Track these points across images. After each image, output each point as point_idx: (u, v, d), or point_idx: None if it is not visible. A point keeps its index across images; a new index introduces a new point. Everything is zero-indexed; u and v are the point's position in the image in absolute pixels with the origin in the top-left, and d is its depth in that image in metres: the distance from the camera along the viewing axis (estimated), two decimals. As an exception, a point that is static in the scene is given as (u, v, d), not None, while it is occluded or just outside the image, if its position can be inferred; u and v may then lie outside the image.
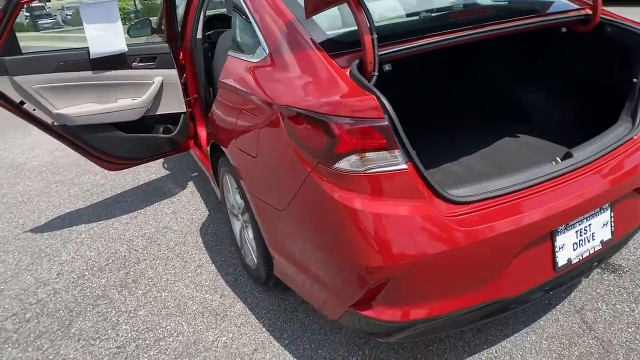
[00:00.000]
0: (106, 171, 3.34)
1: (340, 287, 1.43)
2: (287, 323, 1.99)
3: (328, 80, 1.37)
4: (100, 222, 3.02)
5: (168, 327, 2.04)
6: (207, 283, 2.31)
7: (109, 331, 2.04)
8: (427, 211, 1.27)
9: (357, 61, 1.39)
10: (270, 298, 2.15)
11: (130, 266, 2.51)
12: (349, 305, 1.41)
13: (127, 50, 2.50)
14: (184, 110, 2.92)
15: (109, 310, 2.18)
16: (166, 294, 2.27)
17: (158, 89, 2.70)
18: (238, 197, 2.17)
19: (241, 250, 2.33)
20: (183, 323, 2.06)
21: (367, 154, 1.25)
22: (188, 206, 3.12)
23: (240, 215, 2.19)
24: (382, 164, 1.26)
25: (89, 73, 2.47)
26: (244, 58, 1.89)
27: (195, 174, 3.63)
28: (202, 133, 3.12)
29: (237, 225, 2.33)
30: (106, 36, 2.40)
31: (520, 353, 1.72)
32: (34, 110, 2.37)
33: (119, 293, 2.30)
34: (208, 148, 2.35)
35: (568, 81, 2.22)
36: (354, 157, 1.25)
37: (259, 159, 1.67)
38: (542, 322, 1.84)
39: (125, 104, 2.58)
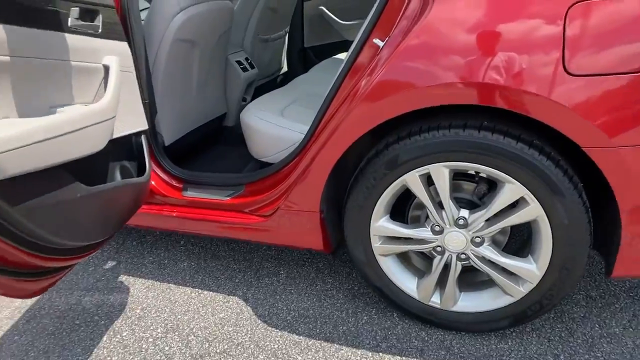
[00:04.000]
0: None
1: None
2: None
3: None
4: None
5: None
6: None
7: None
8: None
9: None
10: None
11: None
12: None
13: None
14: (146, 126, 1.50)
15: None
16: None
17: (120, 81, 1.26)
18: (452, 204, 1.24)
19: (427, 301, 1.37)
20: None
21: None
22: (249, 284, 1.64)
23: (465, 233, 1.25)
24: None
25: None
26: None
27: (152, 260, 1.98)
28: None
29: (433, 261, 1.36)
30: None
31: None
32: None
33: None
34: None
35: None
36: None
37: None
38: None
39: (78, 113, 1.06)
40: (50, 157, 0.96)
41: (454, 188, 1.33)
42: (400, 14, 1.19)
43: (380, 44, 1.22)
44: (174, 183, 1.74)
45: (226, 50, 2.24)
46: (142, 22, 1.68)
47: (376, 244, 1.37)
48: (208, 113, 2.23)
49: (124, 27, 1.52)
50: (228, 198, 1.63)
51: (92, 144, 1.11)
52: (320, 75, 2.31)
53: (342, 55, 2.80)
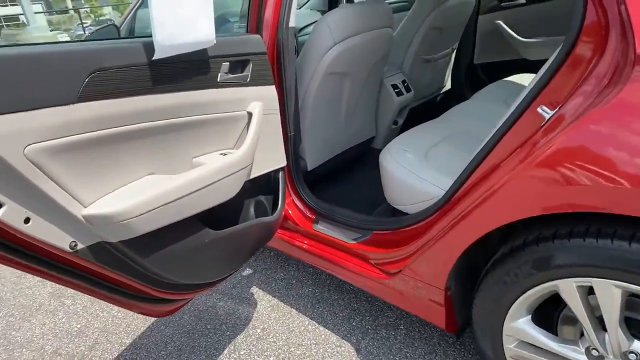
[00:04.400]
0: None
1: None
2: None
3: None
4: None
5: None
6: None
7: None
8: None
9: None
10: None
11: None
12: None
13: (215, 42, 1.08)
14: (285, 162, 1.54)
15: None
16: None
17: (260, 127, 1.30)
18: (622, 331, 0.94)
19: None
20: None
21: None
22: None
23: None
24: None
25: (145, 101, 0.98)
26: None
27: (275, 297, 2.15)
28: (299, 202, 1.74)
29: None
30: (186, 15, 0.97)
31: None
32: (28, 222, 0.81)
33: None
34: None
35: None
36: None
37: None
38: None
39: (213, 168, 1.12)
40: (182, 212, 1.04)
41: (628, 305, 1.01)
42: (580, 80, 0.92)
43: (548, 114, 0.97)
44: (308, 214, 1.75)
45: (380, 75, 2.16)
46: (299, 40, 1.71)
47: (509, 345, 1.15)
48: (354, 137, 2.19)
49: (277, 64, 1.56)
50: (354, 242, 1.57)
51: (226, 193, 1.17)
52: (482, 106, 2.04)
53: (514, 78, 2.44)
